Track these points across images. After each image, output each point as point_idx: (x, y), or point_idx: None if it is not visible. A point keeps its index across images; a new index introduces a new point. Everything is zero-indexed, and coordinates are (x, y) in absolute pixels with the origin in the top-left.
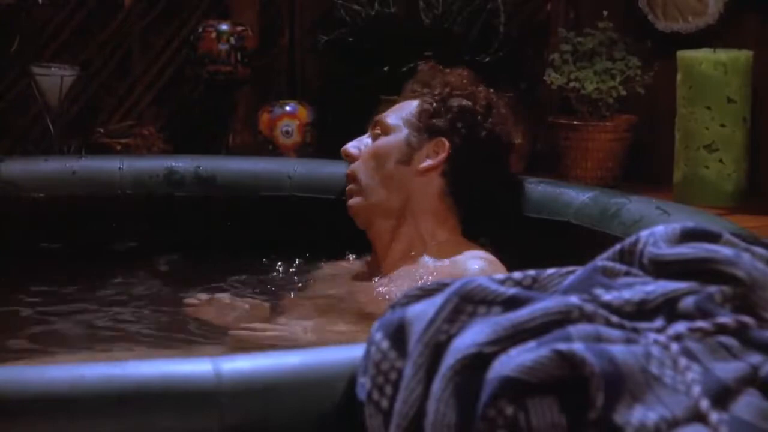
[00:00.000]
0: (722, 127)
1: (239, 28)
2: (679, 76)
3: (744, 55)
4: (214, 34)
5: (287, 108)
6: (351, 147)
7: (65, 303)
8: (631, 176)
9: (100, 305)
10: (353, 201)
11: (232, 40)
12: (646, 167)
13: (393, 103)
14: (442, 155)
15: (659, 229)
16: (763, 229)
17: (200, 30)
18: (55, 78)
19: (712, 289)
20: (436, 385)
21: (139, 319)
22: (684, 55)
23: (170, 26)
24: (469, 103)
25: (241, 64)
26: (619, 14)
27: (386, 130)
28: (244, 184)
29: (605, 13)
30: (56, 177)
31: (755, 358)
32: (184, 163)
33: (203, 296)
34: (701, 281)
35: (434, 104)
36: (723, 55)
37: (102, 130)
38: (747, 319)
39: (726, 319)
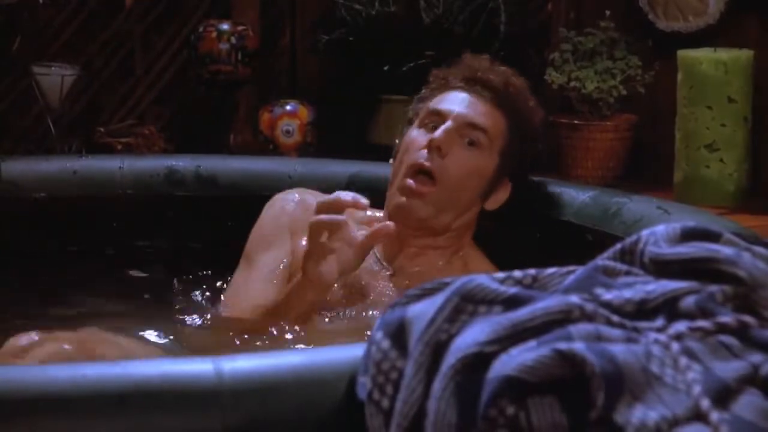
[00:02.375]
0: (723, 126)
1: (240, 28)
2: (679, 76)
3: (745, 54)
4: (214, 34)
5: (288, 107)
6: (445, 142)
7: (65, 302)
8: (632, 176)
9: (101, 305)
10: (420, 207)
11: (233, 39)
12: (647, 167)
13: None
14: (504, 198)
15: (660, 229)
16: (764, 229)
17: (201, 30)
18: (55, 78)
19: (713, 288)
20: (437, 384)
21: (139, 318)
22: (685, 54)
23: (171, 26)
24: (539, 148)
25: (242, 63)
26: (620, 14)
27: (483, 146)
28: (244, 183)
29: (607, 12)
30: (57, 177)
31: (756, 357)
32: (184, 163)
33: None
34: (702, 281)
35: (520, 145)
36: (724, 54)
37: (103, 130)
38: (748, 318)
39: (727, 318)
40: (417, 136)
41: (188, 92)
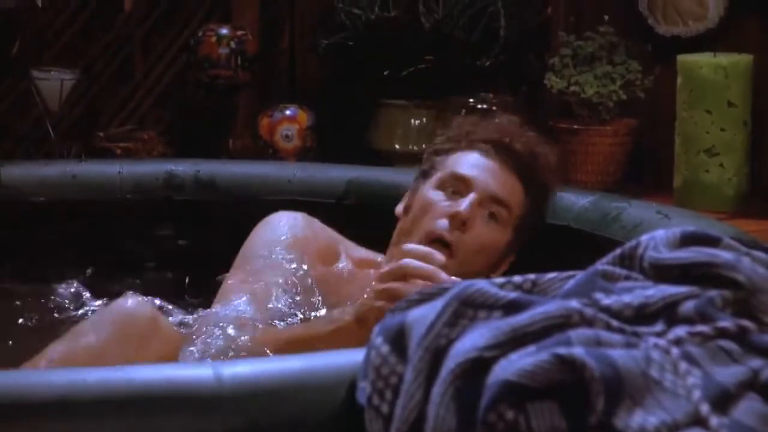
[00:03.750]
0: (723, 131)
1: (239, 33)
2: (679, 80)
3: (744, 59)
4: (214, 38)
5: (287, 112)
6: (470, 218)
7: (65, 307)
8: (632, 180)
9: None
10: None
11: (232, 44)
12: (647, 171)
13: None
14: (504, 269)
15: (659, 234)
16: (764, 233)
17: (200, 34)
18: (54, 82)
19: (713, 293)
20: (437, 389)
21: None
22: (684, 59)
23: (171, 30)
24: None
25: (242, 68)
26: (620, 18)
27: (503, 221)
28: (244, 188)
29: (606, 17)
30: (56, 181)
31: (756, 362)
32: (183, 167)
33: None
34: (701, 285)
35: (533, 219)
36: (723, 59)
37: (102, 135)
38: (747, 323)
39: (726, 323)
40: (436, 199)
41: (188, 96)
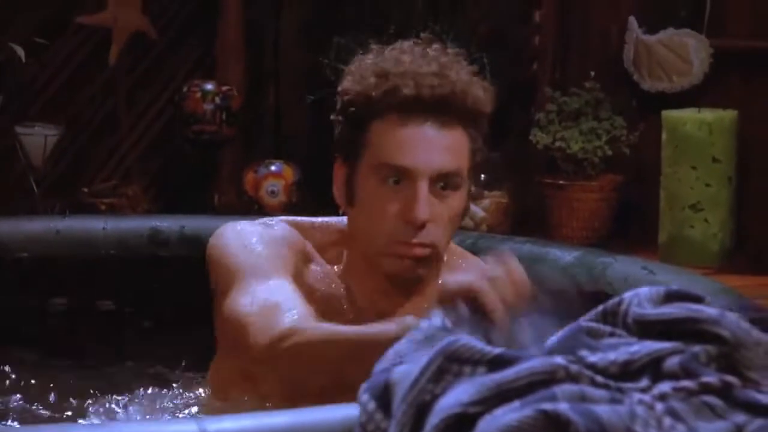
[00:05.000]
0: (707, 186)
1: (224, 88)
2: (664, 136)
3: (729, 114)
4: (198, 94)
5: (273, 168)
6: (430, 217)
7: (48, 363)
8: (617, 236)
9: (84, 365)
10: (425, 269)
11: (217, 99)
12: (633, 227)
13: None
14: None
15: (643, 290)
16: (749, 289)
17: (185, 90)
18: (38, 137)
19: (697, 348)
20: None
21: (123, 378)
22: (669, 115)
23: (157, 83)
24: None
25: (226, 123)
26: (605, 74)
27: (459, 184)
28: None
29: (592, 73)
30: (40, 237)
31: (739, 417)
32: (168, 223)
33: None
34: (686, 341)
35: (483, 151)
36: (708, 114)
37: (86, 190)
38: (731, 378)
39: (710, 378)
40: (384, 197)
41: (173, 150)
